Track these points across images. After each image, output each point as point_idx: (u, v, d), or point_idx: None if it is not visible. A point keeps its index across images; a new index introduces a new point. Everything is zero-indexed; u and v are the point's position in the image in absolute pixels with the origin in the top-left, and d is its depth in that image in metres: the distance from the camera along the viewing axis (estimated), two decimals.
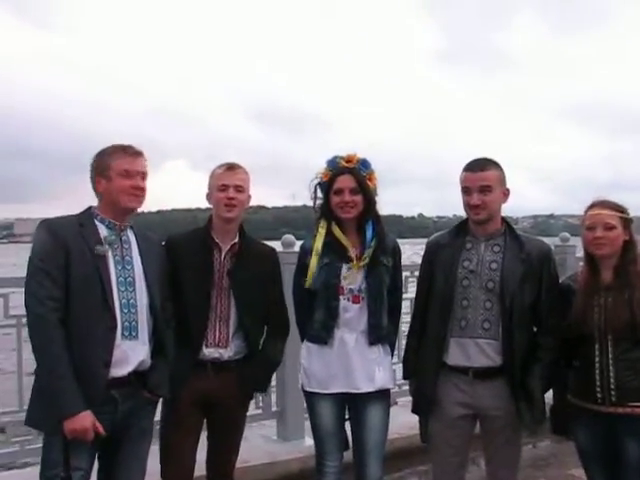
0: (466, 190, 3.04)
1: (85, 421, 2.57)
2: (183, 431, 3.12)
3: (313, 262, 3.15)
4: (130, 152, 2.81)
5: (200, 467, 3.26)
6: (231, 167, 3.17)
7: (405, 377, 3.35)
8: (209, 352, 3.11)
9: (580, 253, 6.02)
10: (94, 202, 2.84)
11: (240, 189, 3.14)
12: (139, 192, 2.81)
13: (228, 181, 3.12)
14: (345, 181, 3.15)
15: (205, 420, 3.25)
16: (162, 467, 3.17)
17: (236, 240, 3.20)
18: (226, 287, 3.13)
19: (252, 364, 3.19)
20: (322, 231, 3.20)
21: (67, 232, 2.67)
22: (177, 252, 3.12)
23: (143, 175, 2.83)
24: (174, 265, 3.08)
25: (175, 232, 3.33)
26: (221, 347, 3.12)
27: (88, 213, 2.81)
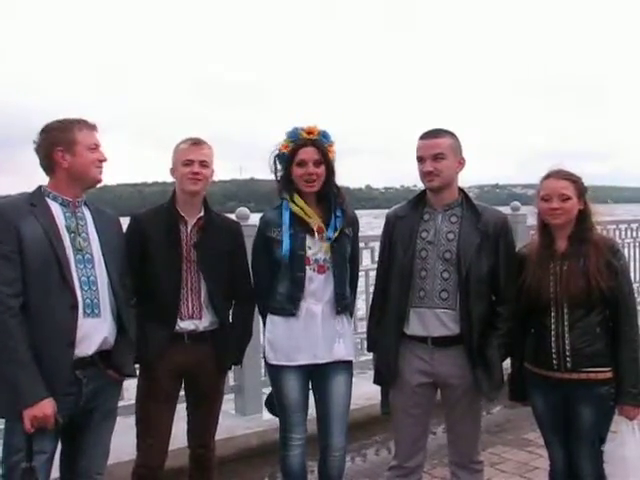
0: (420, 159, 3.06)
1: (46, 409, 2.51)
2: (161, 402, 3.15)
3: (285, 235, 3.14)
4: (92, 126, 2.81)
5: (180, 439, 3.31)
6: (196, 142, 3.20)
7: (369, 349, 3.37)
8: (185, 325, 3.15)
9: (530, 222, 6.13)
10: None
11: (205, 164, 3.17)
12: (102, 165, 2.83)
13: (193, 156, 3.14)
14: (309, 153, 3.15)
15: (184, 392, 3.30)
16: (138, 439, 3.20)
17: (202, 214, 3.22)
18: (194, 260, 3.15)
19: (227, 338, 3.22)
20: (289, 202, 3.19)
21: (17, 213, 2.60)
22: (144, 229, 3.14)
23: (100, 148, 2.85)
24: (143, 242, 3.11)
25: (141, 211, 3.29)
26: (195, 319, 3.16)
27: (39, 192, 2.73)
